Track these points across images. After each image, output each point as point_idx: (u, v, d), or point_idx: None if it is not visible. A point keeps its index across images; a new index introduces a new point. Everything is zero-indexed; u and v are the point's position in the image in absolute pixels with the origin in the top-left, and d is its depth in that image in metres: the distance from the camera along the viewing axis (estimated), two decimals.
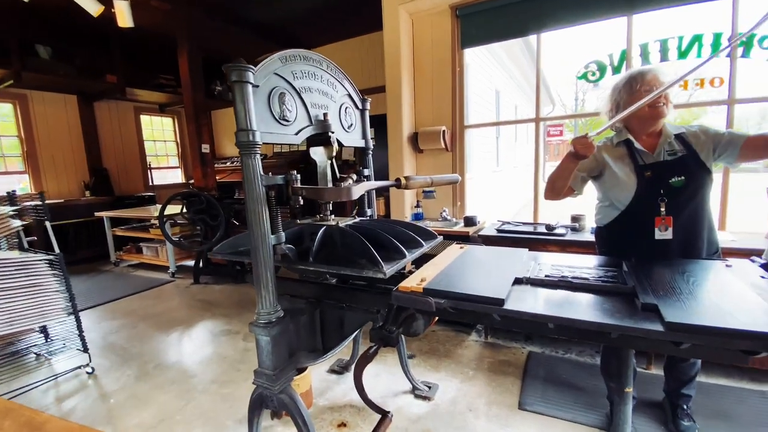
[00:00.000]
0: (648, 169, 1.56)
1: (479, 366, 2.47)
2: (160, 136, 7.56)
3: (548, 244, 2.55)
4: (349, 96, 1.88)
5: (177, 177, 7.82)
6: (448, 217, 3.24)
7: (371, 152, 2.09)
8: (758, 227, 2.42)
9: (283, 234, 1.41)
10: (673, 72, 1.58)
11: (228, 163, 7.17)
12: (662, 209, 1.51)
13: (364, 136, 2.03)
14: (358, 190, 1.39)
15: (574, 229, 2.72)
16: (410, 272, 1.57)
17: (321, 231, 1.50)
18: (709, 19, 2.57)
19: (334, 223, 1.63)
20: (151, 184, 7.11)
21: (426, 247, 1.65)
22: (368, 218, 2.02)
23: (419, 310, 1.29)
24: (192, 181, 5.75)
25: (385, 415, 1.74)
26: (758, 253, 2.00)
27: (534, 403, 2.05)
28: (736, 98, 2.41)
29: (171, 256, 4.73)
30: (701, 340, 0.88)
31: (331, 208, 1.72)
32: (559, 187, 1.66)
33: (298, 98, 1.52)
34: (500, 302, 1.10)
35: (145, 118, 7.16)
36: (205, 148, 4.97)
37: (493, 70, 6.69)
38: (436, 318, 1.65)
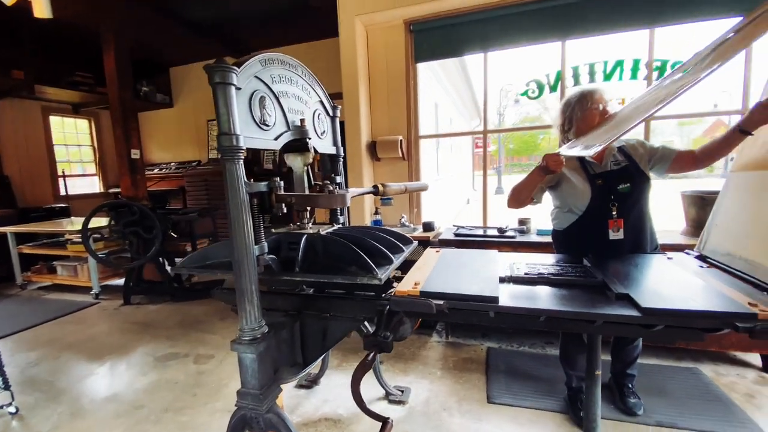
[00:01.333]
0: (599, 177, 1.77)
1: (445, 365, 2.55)
2: (73, 140, 6.67)
3: (501, 246, 2.73)
4: (321, 102, 1.86)
5: (94, 186, 6.95)
6: (407, 223, 3.32)
7: (342, 159, 2.08)
8: (671, 225, 2.85)
9: (266, 244, 1.34)
10: (614, 91, 1.82)
11: (156, 170, 6.56)
12: (614, 213, 1.71)
13: (336, 143, 2.01)
14: (350, 197, 1.37)
15: (522, 232, 2.95)
16: (396, 278, 1.59)
17: (303, 239, 1.45)
18: (630, 46, 2.98)
19: (314, 231, 1.59)
20: (63, 194, 6.23)
21: (407, 251, 1.68)
22: (342, 225, 2.00)
23: (412, 312, 1.30)
24: (118, 191, 5.16)
25: (385, 421, 1.73)
26: (678, 247, 2.36)
27: (501, 396, 2.17)
28: (654, 115, 2.82)
29: (94, 275, 4.17)
30: (672, 322, 1.02)
31: (309, 216, 1.68)
32: (523, 197, 1.82)
33: (276, 103, 1.46)
34: (495, 300, 1.16)
35: (55, 120, 6.27)
36: (135, 153, 4.51)
37: (432, 85, 7.04)
38: (420, 321, 1.69)
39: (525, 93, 3.21)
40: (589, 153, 1.41)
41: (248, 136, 1.29)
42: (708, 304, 1.02)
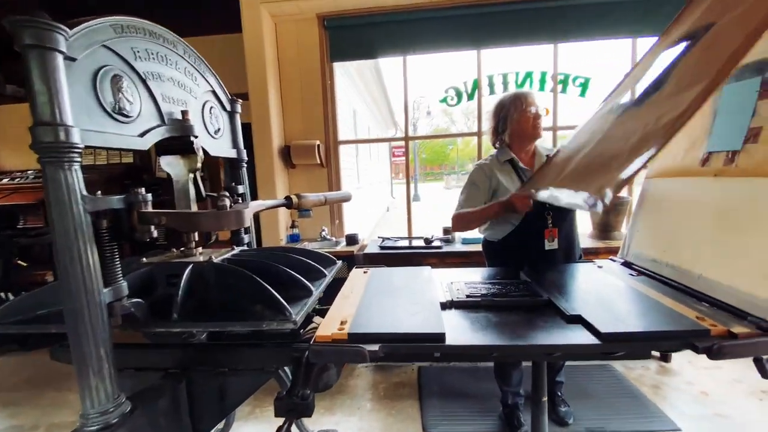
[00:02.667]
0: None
1: (375, 395, 2.30)
2: None
3: (428, 257, 2.60)
4: (214, 93, 1.49)
5: None
6: (329, 237, 3.01)
7: (245, 165, 1.71)
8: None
9: (125, 284, 0.94)
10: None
11: (7, 180, 5.19)
12: (549, 222, 1.65)
13: (236, 145, 1.64)
14: (249, 214, 1.04)
15: (447, 241, 2.86)
16: (316, 310, 1.29)
17: (187, 271, 1.08)
18: (539, 60, 3.12)
19: (203, 258, 1.21)
20: None
21: (329, 275, 1.40)
22: (247, 247, 1.63)
23: (339, 361, 1.02)
24: None
25: None
26: (590, 250, 2.46)
27: (437, 425, 1.99)
28: (558, 125, 2.98)
29: None
30: (632, 347, 0.91)
31: (197, 238, 1.28)
32: (473, 227, 1.76)
33: (142, 86, 1.07)
34: (442, 337, 0.94)
35: None
36: None
37: (350, 91, 6.87)
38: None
39: (444, 100, 3.17)
40: (576, 202, 1.12)
41: (93, 130, 0.89)
42: (660, 322, 0.93)
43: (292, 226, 3.10)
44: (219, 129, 1.49)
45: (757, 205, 1.01)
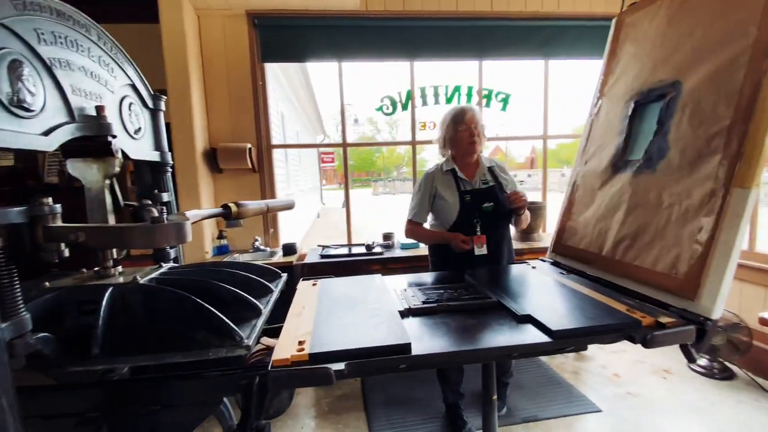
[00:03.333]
0: (467, 194, 1.81)
1: (319, 411, 2.19)
2: None
3: (371, 264, 2.59)
4: (134, 87, 1.30)
5: None
6: (263, 247, 2.82)
7: (170, 169, 1.52)
8: None
9: (27, 316, 0.75)
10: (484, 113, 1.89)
11: None
12: (478, 230, 1.76)
13: (159, 147, 1.45)
14: (189, 228, 0.91)
15: (387, 247, 2.88)
16: (264, 330, 1.18)
17: (106, 296, 0.91)
18: (467, 75, 3.32)
19: (124, 278, 1.04)
20: None
21: (276, 291, 1.30)
22: (175, 265, 1.44)
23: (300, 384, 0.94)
24: None
25: None
26: (515, 251, 2.66)
27: None
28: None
29: None
30: (580, 341, 0.99)
31: (114, 255, 1.10)
32: (422, 241, 2.11)
33: (47, 75, 0.88)
34: (408, 348, 0.92)
35: None
36: None
37: (277, 94, 6.61)
38: None
39: (380, 108, 3.20)
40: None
41: None
42: (600, 317, 1.03)
43: (220, 237, 2.85)
44: (140, 128, 1.30)
45: (662, 203, 1.18)
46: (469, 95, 3.18)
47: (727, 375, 2.32)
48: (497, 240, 1.84)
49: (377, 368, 0.92)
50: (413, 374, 2.51)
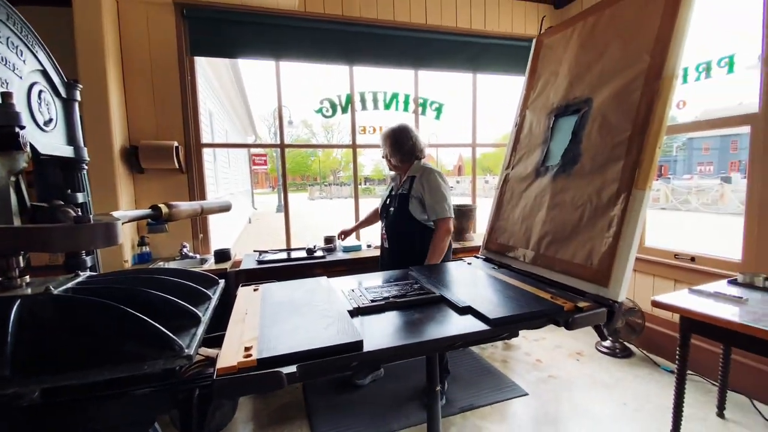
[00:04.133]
0: (389, 197, 2.21)
1: (258, 425, 2.09)
2: None
3: (314, 268, 2.55)
4: (45, 74, 1.14)
5: None
6: (191, 254, 2.62)
7: (86, 167, 1.36)
8: None
9: None
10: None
11: None
12: (383, 227, 2.20)
13: (74, 141, 1.29)
14: (120, 228, 0.82)
15: (329, 250, 2.85)
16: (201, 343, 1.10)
17: (14, 310, 0.79)
18: (403, 83, 3.44)
19: (34, 290, 0.90)
20: None
21: (215, 297, 1.22)
22: (92, 272, 1.28)
23: (247, 392, 0.90)
24: None
25: None
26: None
27: None
28: None
29: None
30: (513, 327, 1.09)
31: (22, 264, 0.95)
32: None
33: None
34: (360, 345, 0.94)
35: None
36: None
37: (205, 91, 6.19)
38: None
39: (320, 110, 3.18)
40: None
41: None
42: (529, 305, 1.15)
43: (141, 244, 2.58)
44: (51, 120, 1.15)
45: (577, 203, 1.35)
46: (406, 103, 3.30)
47: (626, 354, 2.69)
48: (399, 240, 2.12)
49: (330, 368, 0.91)
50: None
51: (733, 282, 1.87)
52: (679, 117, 2.69)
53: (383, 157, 2.21)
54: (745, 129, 2.13)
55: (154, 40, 2.59)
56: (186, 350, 0.84)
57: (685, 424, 1.91)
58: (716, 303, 1.58)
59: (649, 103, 1.18)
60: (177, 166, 2.56)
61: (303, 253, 2.70)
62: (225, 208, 1.63)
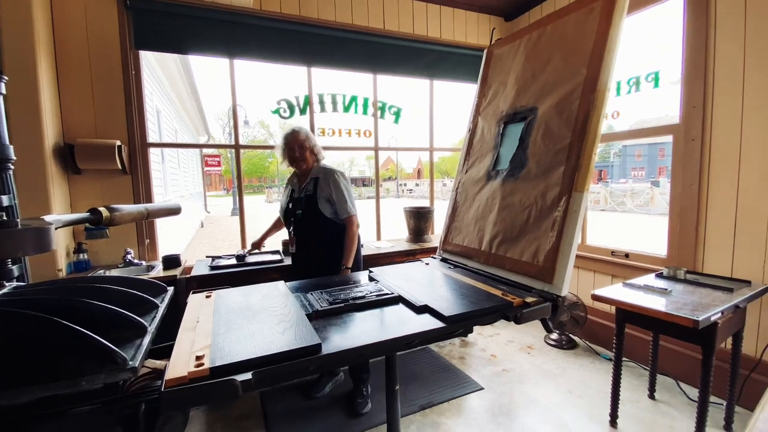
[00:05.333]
0: (291, 201, 2.18)
1: None
2: None
3: (271, 273, 2.48)
4: None
5: None
6: (137, 261, 2.45)
7: (12, 166, 1.24)
8: (399, 234, 3.47)
9: None
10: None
11: None
12: (291, 231, 2.15)
13: None
14: (53, 234, 0.76)
15: (286, 253, 2.79)
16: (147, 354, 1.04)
17: None
18: (362, 86, 3.45)
19: None
20: None
21: (162, 306, 1.16)
22: (18, 282, 1.17)
23: (199, 403, 0.86)
24: None
25: None
26: (408, 252, 2.86)
27: None
28: (379, 146, 3.38)
29: None
30: (467, 324, 1.13)
31: None
32: None
33: None
34: (318, 348, 0.93)
35: None
36: None
37: (153, 87, 5.83)
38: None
39: (276, 111, 3.11)
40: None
41: None
42: (481, 302, 1.20)
43: (79, 251, 2.38)
44: None
45: (524, 205, 1.44)
46: (365, 106, 3.32)
47: (572, 345, 2.88)
48: (310, 244, 2.11)
49: (288, 374, 0.90)
50: (314, 381, 2.48)
51: (660, 275, 2.07)
52: (615, 126, 2.95)
53: (291, 157, 2.14)
54: (670, 138, 2.37)
55: (94, 31, 2.41)
56: (130, 362, 0.79)
57: (622, 407, 2.09)
58: (645, 295, 1.75)
59: (586, 113, 1.28)
60: (120, 167, 2.39)
61: (260, 258, 2.62)
62: (174, 211, 1.55)
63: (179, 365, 0.85)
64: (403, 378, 2.43)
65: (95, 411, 0.86)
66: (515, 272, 1.39)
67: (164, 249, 2.77)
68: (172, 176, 7.58)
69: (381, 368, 2.53)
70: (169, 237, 5.97)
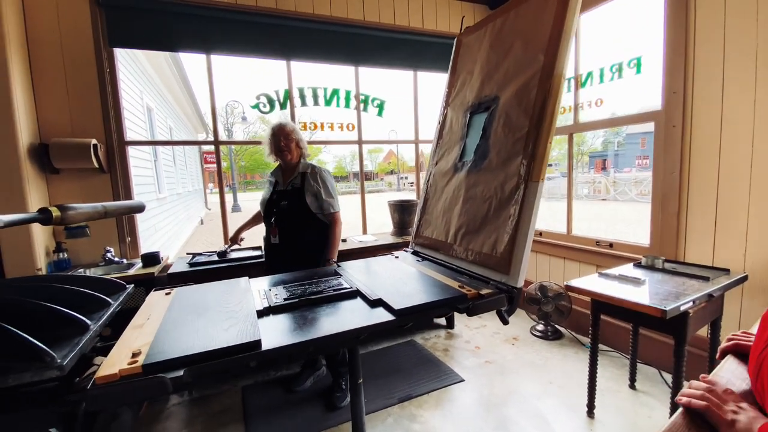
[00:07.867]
0: (276, 193, 2.18)
1: None
2: None
3: (250, 268, 2.48)
4: None
5: None
6: (117, 259, 2.46)
7: None
8: (385, 228, 3.46)
9: None
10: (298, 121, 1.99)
11: None
12: (273, 222, 2.13)
13: None
14: None
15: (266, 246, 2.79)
16: (96, 349, 1.05)
17: None
18: (344, 79, 3.42)
19: None
20: None
21: (116, 304, 1.16)
22: None
23: (131, 401, 0.86)
24: None
25: None
26: (393, 246, 2.85)
27: None
28: (363, 140, 3.35)
29: None
30: (417, 317, 1.12)
31: None
32: None
33: None
34: (257, 345, 0.93)
35: None
36: None
37: (143, 85, 5.81)
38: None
39: (256, 106, 3.09)
40: None
41: None
42: (435, 294, 1.19)
43: (59, 250, 2.39)
44: None
45: (485, 196, 1.42)
46: (348, 99, 3.29)
47: (557, 336, 2.87)
48: (293, 235, 2.11)
49: (223, 370, 0.90)
50: (295, 376, 2.49)
51: (638, 265, 2.05)
52: (598, 114, 2.90)
53: (277, 147, 2.14)
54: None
55: (66, 29, 2.39)
56: (58, 360, 0.79)
57: (602, 397, 2.08)
58: (619, 285, 1.73)
59: (542, 101, 1.26)
60: (96, 166, 2.39)
61: (243, 254, 2.63)
62: (136, 209, 1.55)
63: (113, 362, 0.85)
64: (384, 370, 2.44)
65: (30, 411, 0.86)
66: (477, 264, 1.38)
67: (150, 246, 2.78)
68: (166, 174, 7.60)
69: (368, 361, 2.55)
70: (166, 235, 6.02)
